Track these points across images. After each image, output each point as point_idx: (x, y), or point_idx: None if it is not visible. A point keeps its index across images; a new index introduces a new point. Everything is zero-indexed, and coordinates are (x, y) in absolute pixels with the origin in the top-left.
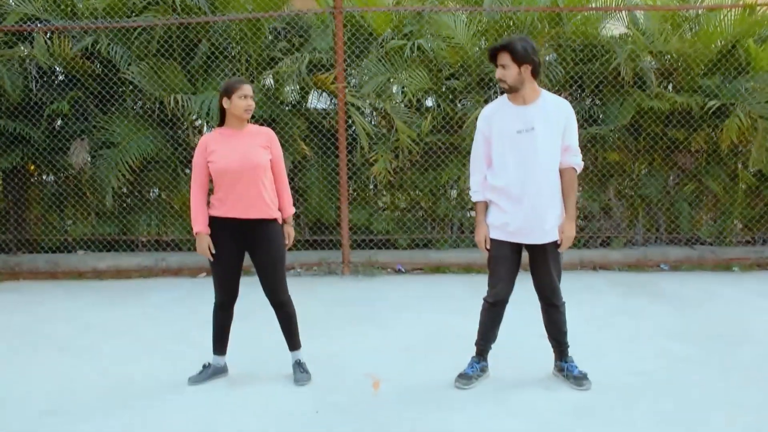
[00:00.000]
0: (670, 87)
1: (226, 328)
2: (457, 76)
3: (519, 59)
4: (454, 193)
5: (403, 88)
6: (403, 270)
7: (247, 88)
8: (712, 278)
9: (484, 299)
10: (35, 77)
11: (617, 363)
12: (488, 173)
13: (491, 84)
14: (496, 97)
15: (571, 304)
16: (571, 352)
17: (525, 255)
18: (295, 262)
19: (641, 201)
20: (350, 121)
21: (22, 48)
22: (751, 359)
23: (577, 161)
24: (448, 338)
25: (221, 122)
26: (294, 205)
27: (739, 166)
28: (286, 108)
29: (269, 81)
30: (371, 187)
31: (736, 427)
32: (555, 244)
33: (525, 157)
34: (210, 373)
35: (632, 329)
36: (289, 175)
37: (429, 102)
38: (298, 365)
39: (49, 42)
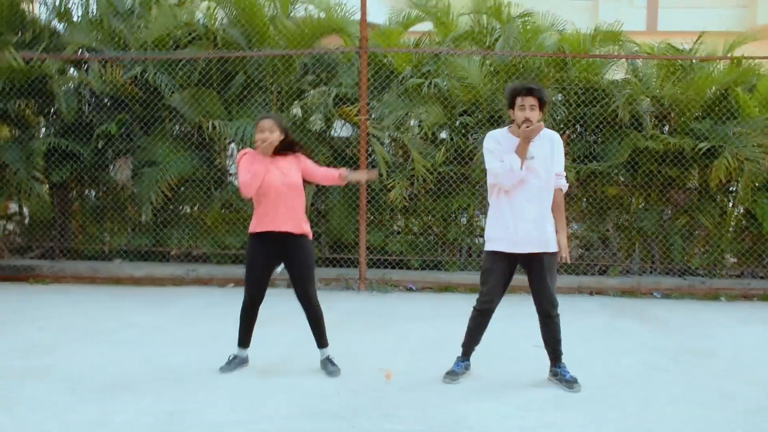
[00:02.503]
0: (665, 129)
1: (251, 325)
2: (469, 112)
3: (543, 105)
4: (463, 219)
5: (420, 122)
6: (414, 288)
7: (264, 123)
8: (700, 306)
9: (474, 307)
10: (88, 101)
11: (601, 368)
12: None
13: (501, 120)
14: None
15: (564, 321)
16: (565, 359)
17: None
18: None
19: (637, 233)
20: (370, 150)
21: (77, 75)
22: (712, 370)
23: (563, 183)
24: (452, 345)
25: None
26: (315, 225)
27: (728, 204)
28: (313, 136)
29: (298, 111)
30: (388, 211)
31: (685, 419)
32: (552, 256)
33: (528, 179)
34: (237, 363)
35: (614, 344)
36: (312, 198)
37: (443, 135)
38: (328, 361)
39: (102, 70)
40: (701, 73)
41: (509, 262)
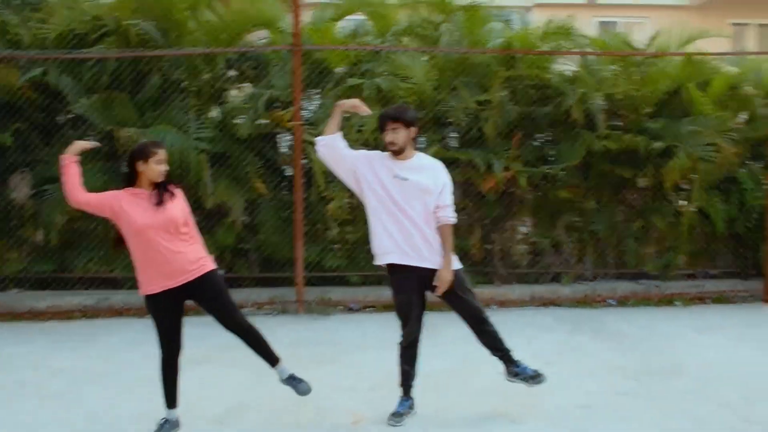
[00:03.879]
0: (618, 127)
1: (174, 380)
2: None
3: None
4: None
5: (360, 126)
6: (355, 308)
7: (163, 153)
8: (656, 313)
9: (399, 344)
10: None
11: (569, 397)
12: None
13: (447, 122)
14: (450, 136)
15: (520, 342)
16: (523, 387)
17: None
18: (245, 300)
19: (590, 237)
20: (306, 159)
21: None
22: (679, 392)
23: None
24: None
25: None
26: (245, 240)
27: (683, 203)
28: (241, 144)
29: (219, 114)
30: (325, 223)
31: None
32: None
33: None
34: (168, 428)
35: (575, 366)
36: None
37: None
38: (293, 378)
39: None
40: (654, 69)
41: (415, 291)
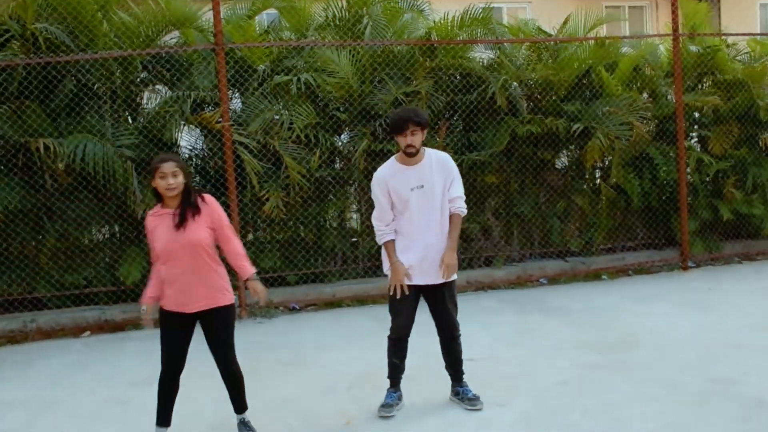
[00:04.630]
0: (537, 111)
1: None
2: (342, 109)
3: (425, 127)
4: (335, 224)
5: (291, 123)
6: (297, 308)
7: (166, 167)
8: (587, 288)
9: (388, 337)
10: None
11: (544, 376)
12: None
13: (376, 116)
14: (381, 129)
15: (475, 328)
16: (501, 369)
17: None
18: None
19: (516, 219)
20: (238, 160)
21: None
22: (644, 359)
23: (460, 207)
24: (382, 373)
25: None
26: None
27: (599, 182)
28: (166, 149)
29: (140, 119)
30: (260, 224)
31: (651, 417)
32: (450, 285)
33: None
34: None
35: (538, 345)
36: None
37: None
38: (244, 424)
39: None
40: (566, 53)
41: (412, 290)
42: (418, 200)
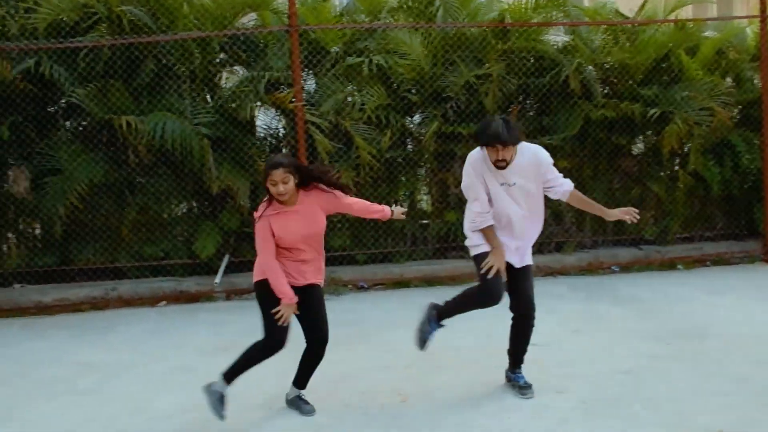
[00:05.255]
0: (612, 96)
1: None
2: (413, 91)
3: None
4: (406, 206)
5: (362, 104)
6: (366, 286)
7: (277, 175)
8: (661, 278)
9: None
10: None
11: (607, 364)
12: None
13: (447, 97)
14: (452, 111)
15: (539, 312)
16: (562, 356)
17: None
18: (251, 285)
19: None
20: (310, 140)
21: None
22: (714, 352)
23: (566, 184)
24: (447, 353)
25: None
26: (247, 225)
27: (677, 169)
28: (240, 128)
29: (217, 99)
30: None
31: (715, 411)
32: (529, 267)
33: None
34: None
35: (603, 333)
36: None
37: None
38: (300, 399)
39: None
40: (644, 36)
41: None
42: (506, 196)
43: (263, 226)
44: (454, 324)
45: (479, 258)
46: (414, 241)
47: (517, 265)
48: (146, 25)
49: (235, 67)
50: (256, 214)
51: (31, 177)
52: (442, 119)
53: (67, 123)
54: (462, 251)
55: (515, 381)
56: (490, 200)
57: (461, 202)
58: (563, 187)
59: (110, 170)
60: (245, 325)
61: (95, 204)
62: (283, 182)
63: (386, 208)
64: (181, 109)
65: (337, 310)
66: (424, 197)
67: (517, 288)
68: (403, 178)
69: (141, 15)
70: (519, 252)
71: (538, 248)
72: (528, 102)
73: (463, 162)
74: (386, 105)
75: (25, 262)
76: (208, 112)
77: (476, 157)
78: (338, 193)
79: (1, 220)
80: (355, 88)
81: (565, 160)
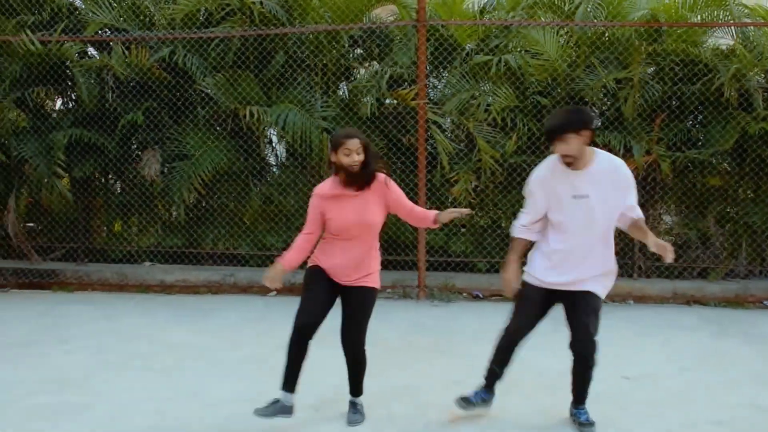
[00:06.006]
0: None
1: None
2: (545, 93)
3: (581, 130)
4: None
5: (487, 105)
6: (481, 296)
7: (353, 143)
8: None
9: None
10: (111, 87)
11: (700, 410)
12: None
13: (581, 102)
14: None
15: (655, 342)
16: (654, 394)
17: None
18: None
19: (745, 229)
20: (430, 139)
21: (100, 58)
22: None
23: (638, 214)
24: (527, 376)
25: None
26: None
27: None
28: (363, 123)
29: (344, 92)
30: (447, 205)
31: None
32: (595, 297)
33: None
34: (278, 409)
35: (715, 374)
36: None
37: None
38: (353, 405)
39: (126, 52)
40: None
41: (544, 294)
42: (577, 210)
43: (313, 205)
44: (544, 344)
45: (523, 284)
46: None
47: (571, 287)
48: (276, 17)
49: (362, 62)
50: (315, 189)
51: (161, 161)
52: None
53: (197, 111)
54: None
55: (576, 416)
56: (554, 218)
57: None
58: (636, 213)
59: (235, 159)
60: (337, 322)
61: (219, 192)
62: (357, 152)
63: (430, 213)
64: (302, 101)
65: (439, 318)
66: None
67: (571, 320)
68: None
69: (273, 7)
70: (576, 268)
71: (679, 273)
72: (674, 110)
73: None
74: (513, 107)
75: (157, 242)
76: (329, 106)
77: (539, 169)
78: (397, 191)
79: (138, 201)
80: (482, 87)
81: (717, 178)
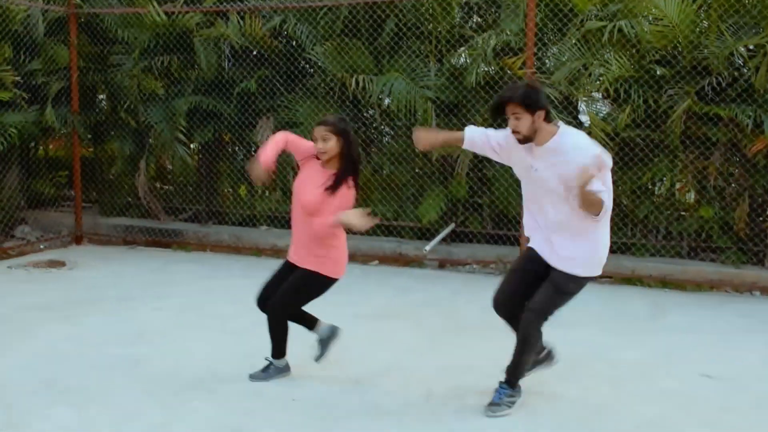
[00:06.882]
0: None
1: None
2: (663, 62)
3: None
4: (657, 192)
5: (599, 75)
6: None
7: (318, 130)
8: None
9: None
10: (228, 56)
11: None
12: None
13: (704, 72)
14: (710, 89)
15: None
16: (732, 398)
17: None
18: (471, 256)
19: None
20: None
21: (216, 28)
22: None
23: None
24: (597, 364)
25: None
26: (477, 194)
27: None
28: (470, 93)
29: (459, 60)
30: None
31: None
32: (561, 274)
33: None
34: (275, 371)
35: None
36: (475, 162)
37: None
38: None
39: (241, 22)
40: None
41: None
42: (530, 182)
43: (307, 142)
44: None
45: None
46: (666, 236)
47: (548, 261)
48: None
49: (473, 29)
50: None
51: (274, 128)
52: (697, 97)
53: (307, 79)
54: (714, 254)
55: (495, 392)
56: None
57: (720, 200)
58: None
59: None
60: (427, 295)
61: None
62: (323, 139)
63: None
64: (407, 70)
65: None
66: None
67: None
68: (650, 162)
69: None
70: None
71: (760, 259)
72: None
73: (723, 151)
74: (628, 77)
75: (275, 207)
76: (435, 75)
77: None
78: (344, 198)
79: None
80: (593, 56)
81: None
